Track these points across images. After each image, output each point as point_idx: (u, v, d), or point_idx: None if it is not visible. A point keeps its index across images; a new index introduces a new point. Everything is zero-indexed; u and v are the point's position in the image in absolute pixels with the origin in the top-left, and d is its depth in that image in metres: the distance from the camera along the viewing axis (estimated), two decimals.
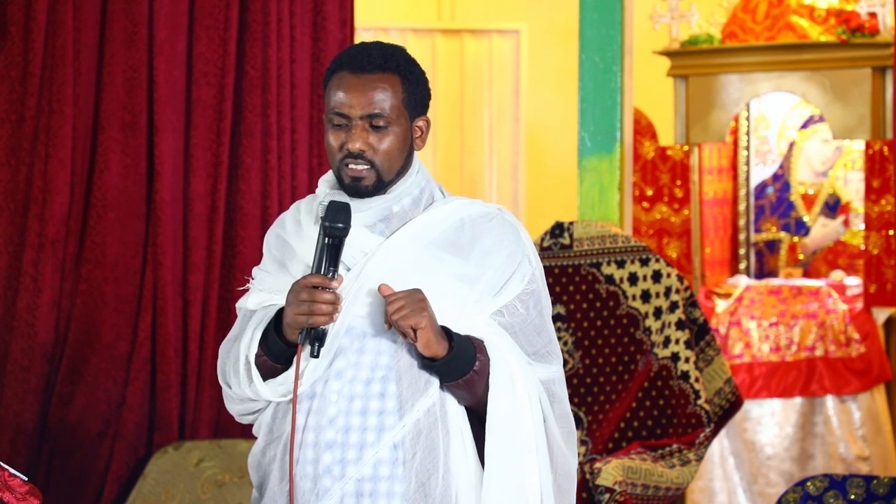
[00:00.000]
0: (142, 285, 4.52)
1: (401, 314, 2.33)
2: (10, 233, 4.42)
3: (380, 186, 2.46)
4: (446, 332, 2.38)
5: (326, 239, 2.38)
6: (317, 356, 2.38)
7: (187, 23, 4.58)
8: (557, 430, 2.49)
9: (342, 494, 2.37)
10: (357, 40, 4.94)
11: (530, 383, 2.44)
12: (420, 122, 2.51)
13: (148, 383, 4.51)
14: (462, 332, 2.41)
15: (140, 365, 4.48)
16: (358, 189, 2.45)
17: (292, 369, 2.41)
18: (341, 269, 2.44)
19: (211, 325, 4.56)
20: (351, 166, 2.43)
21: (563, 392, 2.52)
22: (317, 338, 2.37)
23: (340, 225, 2.38)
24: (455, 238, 2.47)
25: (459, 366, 2.38)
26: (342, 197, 2.47)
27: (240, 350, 2.48)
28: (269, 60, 4.60)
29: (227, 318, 4.58)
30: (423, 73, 2.54)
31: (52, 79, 4.41)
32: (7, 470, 3.01)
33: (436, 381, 2.41)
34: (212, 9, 4.57)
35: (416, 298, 2.34)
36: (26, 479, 3.04)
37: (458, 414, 2.42)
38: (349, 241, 2.45)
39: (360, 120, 2.43)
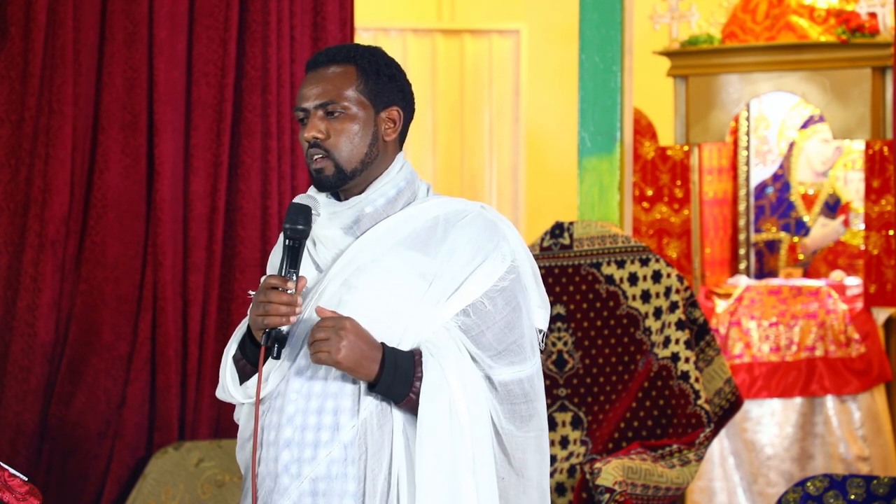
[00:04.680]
0: (142, 285, 4.52)
1: (314, 349, 2.34)
2: (10, 233, 4.41)
3: (343, 177, 2.46)
4: (383, 355, 2.36)
5: (287, 241, 2.41)
6: (277, 357, 2.40)
7: (187, 23, 4.58)
8: (521, 438, 2.45)
9: (299, 493, 2.39)
10: (357, 40, 4.94)
11: (475, 396, 2.39)
12: (389, 115, 2.50)
13: (148, 383, 4.50)
14: (418, 334, 2.40)
15: (140, 365, 4.48)
16: (321, 181, 2.46)
17: (264, 369, 2.44)
18: (313, 272, 2.47)
19: (211, 325, 4.56)
20: (314, 158, 2.46)
21: (533, 390, 2.46)
22: (277, 339, 2.38)
23: (300, 227, 2.41)
24: (426, 236, 2.45)
25: (393, 393, 2.37)
26: (313, 198, 2.50)
27: (224, 353, 2.53)
28: (269, 60, 4.60)
29: (227, 318, 4.58)
30: (389, 65, 2.52)
31: (52, 79, 4.41)
32: (7, 470, 3.01)
33: None
34: (212, 9, 4.57)
35: (336, 338, 2.32)
36: (26, 479, 3.04)
37: (402, 416, 2.40)
38: (324, 243, 2.48)
39: (314, 109, 2.46)
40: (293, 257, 2.40)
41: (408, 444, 2.39)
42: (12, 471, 3.02)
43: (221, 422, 4.58)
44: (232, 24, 4.57)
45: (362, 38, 7.34)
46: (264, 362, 2.41)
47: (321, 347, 2.33)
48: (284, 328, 2.39)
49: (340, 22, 4.77)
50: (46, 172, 4.40)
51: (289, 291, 2.38)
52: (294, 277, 2.39)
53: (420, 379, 2.36)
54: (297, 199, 2.50)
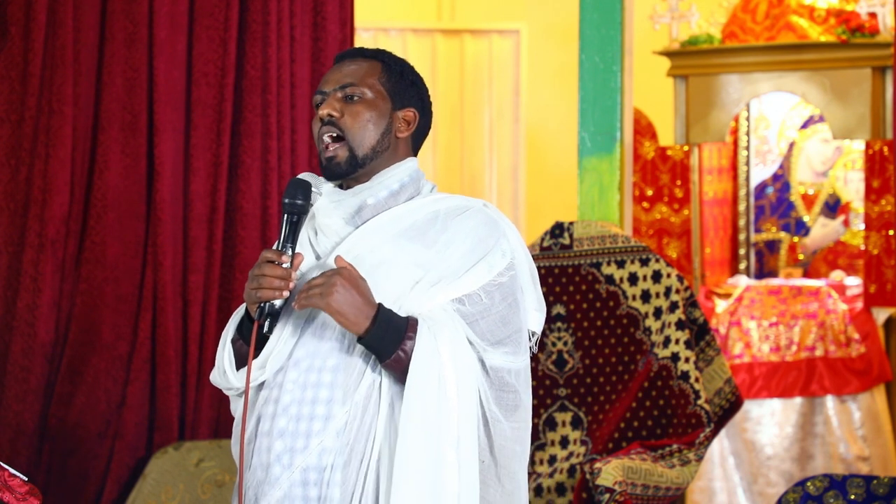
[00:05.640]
0: (142, 285, 4.52)
1: (305, 295, 2.34)
2: (10, 233, 4.41)
3: (354, 163, 2.48)
4: (378, 312, 2.36)
5: (285, 215, 2.42)
6: (269, 332, 2.40)
7: (187, 23, 4.58)
8: (507, 426, 2.45)
9: (290, 483, 2.39)
10: (357, 40, 4.94)
11: (466, 373, 2.38)
12: (405, 115, 2.54)
13: (148, 383, 4.51)
14: (410, 312, 2.40)
15: (140, 365, 4.48)
16: (332, 169, 2.48)
17: (261, 355, 2.44)
18: (313, 261, 2.49)
19: (211, 325, 4.56)
20: (325, 138, 2.48)
21: (519, 384, 2.46)
22: (270, 314, 2.39)
23: (299, 202, 2.42)
24: (425, 229, 2.46)
25: (382, 347, 2.36)
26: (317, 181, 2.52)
27: (222, 336, 2.53)
28: (269, 60, 4.60)
29: (227, 318, 4.57)
30: (413, 73, 2.57)
31: (52, 79, 4.41)
32: (7, 470, 3.02)
33: (371, 368, 2.40)
34: (212, 9, 4.57)
35: (330, 282, 2.33)
36: (26, 479, 3.04)
37: (391, 398, 2.39)
38: (325, 232, 2.49)
39: (333, 91, 2.50)
40: (291, 232, 2.41)
41: (393, 420, 2.38)
42: (12, 471, 3.02)
43: (221, 422, 4.58)
44: (232, 24, 4.57)
45: (362, 37, 7.35)
46: (258, 338, 2.41)
47: (314, 290, 2.33)
48: (277, 303, 2.39)
49: (340, 22, 4.77)
50: (46, 172, 4.40)
51: (283, 265, 2.38)
52: (290, 252, 2.40)
53: (412, 339, 2.35)
54: (300, 176, 2.50)
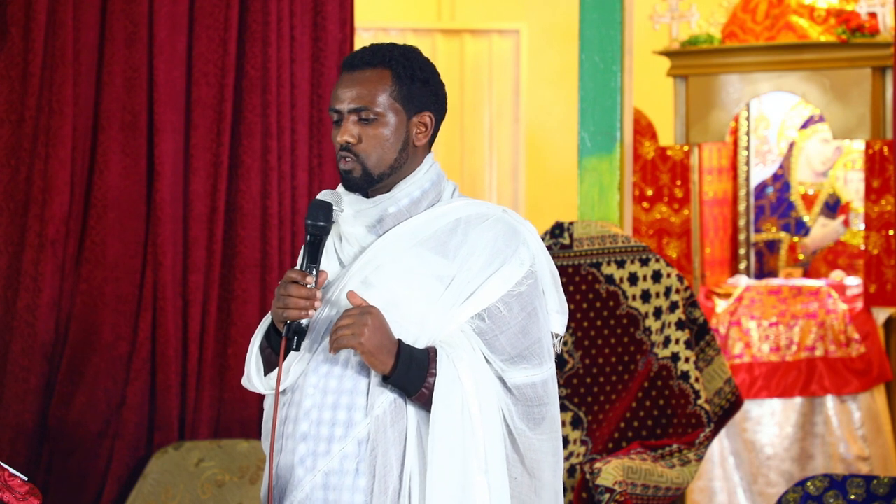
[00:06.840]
0: (142, 285, 4.52)
1: (337, 335, 2.37)
2: (10, 233, 4.42)
3: (370, 179, 2.49)
4: (399, 349, 2.39)
5: (307, 236, 2.45)
6: (297, 349, 2.44)
7: (187, 23, 4.58)
8: (534, 439, 2.48)
9: (312, 486, 2.43)
10: (357, 40, 4.94)
11: (488, 395, 2.42)
12: (421, 119, 2.52)
13: (148, 383, 4.51)
14: (433, 335, 2.42)
15: (140, 365, 4.48)
16: (348, 182, 2.50)
17: (285, 363, 2.48)
18: (337, 267, 2.51)
19: (211, 325, 4.56)
20: (342, 159, 2.49)
21: (546, 394, 2.49)
22: (296, 331, 2.43)
23: (321, 223, 2.45)
24: (447, 239, 2.48)
25: (407, 385, 2.39)
26: (335, 195, 2.54)
27: (251, 343, 2.57)
28: (269, 60, 4.60)
29: (227, 318, 4.58)
30: (424, 69, 2.53)
31: (52, 79, 4.41)
32: (7, 470, 3.01)
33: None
34: (212, 9, 4.57)
35: (361, 322, 2.36)
36: (26, 479, 3.04)
37: (417, 422, 2.43)
38: (349, 240, 2.51)
39: (348, 113, 2.49)
40: (313, 253, 2.45)
41: (421, 443, 2.41)
42: (12, 471, 3.02)
43: (221, 422, 4.58)
44: (232, 24, 4.57)
45: (362, 38, 7.34)
46: (285, 354, 2.45)
47: (345, 331, 2.36)
48: (304, 321, 2.44)
49: (340, 22, 4.77)
50: (46, 172, 4.40)
51: (308, 286, 2.42)
52: (314, 272, 2.44)
53: (434, 375, 2.39)
54: (321, 195, 2.53)
